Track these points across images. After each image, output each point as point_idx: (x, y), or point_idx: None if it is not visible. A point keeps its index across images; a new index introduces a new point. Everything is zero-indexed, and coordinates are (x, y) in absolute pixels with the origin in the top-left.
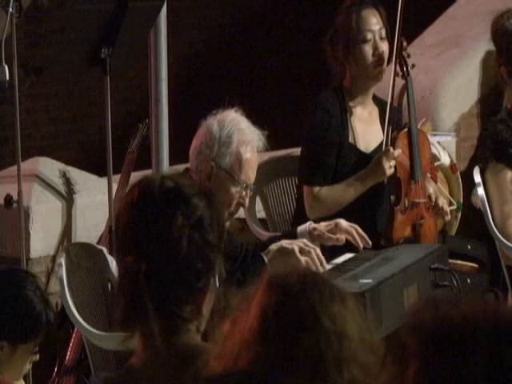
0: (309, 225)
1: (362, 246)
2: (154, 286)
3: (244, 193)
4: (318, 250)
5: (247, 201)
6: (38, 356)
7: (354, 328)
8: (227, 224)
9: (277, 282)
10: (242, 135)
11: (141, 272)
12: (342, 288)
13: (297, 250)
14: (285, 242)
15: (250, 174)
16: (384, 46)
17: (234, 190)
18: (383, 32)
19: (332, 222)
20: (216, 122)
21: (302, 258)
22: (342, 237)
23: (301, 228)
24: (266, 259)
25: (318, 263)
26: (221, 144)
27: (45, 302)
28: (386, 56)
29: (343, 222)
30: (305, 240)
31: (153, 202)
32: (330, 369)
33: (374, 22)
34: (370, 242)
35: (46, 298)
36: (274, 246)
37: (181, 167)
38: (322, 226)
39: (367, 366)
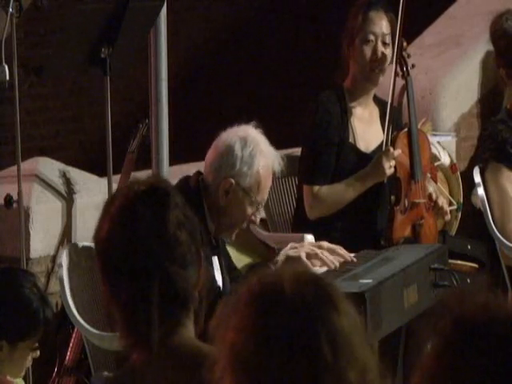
0: (289, 248)
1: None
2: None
3: (257, 212)
4: (326, 245)
5: (258, 219)
6: (38, 352)
7: (351, 330)
8: (233, 237)
9: (269, 284)
10: (263, 157)
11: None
12: (338, 290)
13: (303, 256)
14: (291, 251)
15: (266, 195)
16: (385, 51)
17: (249, 210)
18: (387, 38)
19: (316, 244)
20: (238, 140)
21: (312, 262)
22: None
23: (282, 252)
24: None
25: (329, 262)
26: (243, 163)
27: (42, 299)
28: (385, 61)
29: (326, 243)
30: (310, 242)
31: (136, 209)
32: (327, 372)
33: (380, 26)
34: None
35: (43, 295)
36: (281, 257)
37: (181, 167)
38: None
39: (364, 369)
